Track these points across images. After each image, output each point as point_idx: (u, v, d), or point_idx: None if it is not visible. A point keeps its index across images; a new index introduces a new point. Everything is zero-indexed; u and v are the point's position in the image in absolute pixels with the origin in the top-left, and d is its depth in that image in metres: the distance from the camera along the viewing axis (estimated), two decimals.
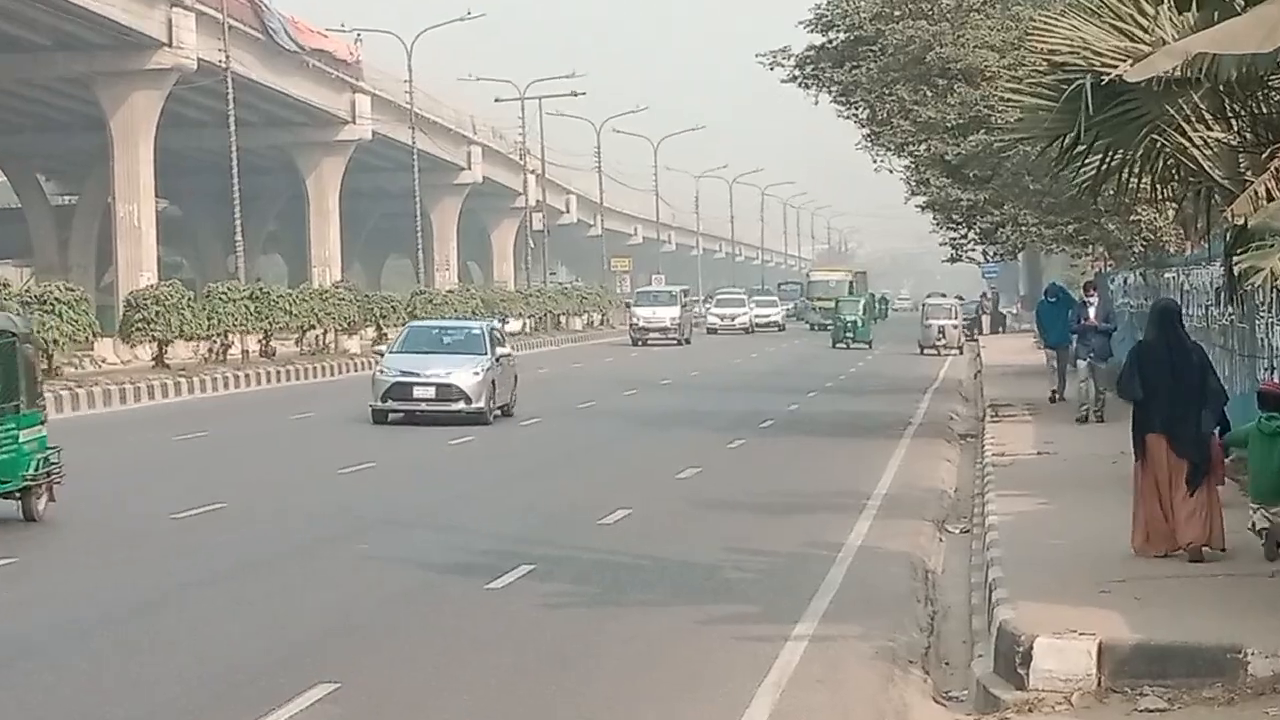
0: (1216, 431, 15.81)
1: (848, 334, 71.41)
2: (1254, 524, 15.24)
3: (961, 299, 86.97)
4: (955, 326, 70.20)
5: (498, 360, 34.61)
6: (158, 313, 48.64)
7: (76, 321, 43.05)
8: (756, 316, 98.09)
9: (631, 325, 79.50)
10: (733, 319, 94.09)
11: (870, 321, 77.04)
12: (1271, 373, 21.44)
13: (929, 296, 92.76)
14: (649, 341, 76.05)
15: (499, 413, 34.22)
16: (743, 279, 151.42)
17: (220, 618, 14.40)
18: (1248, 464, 15.79)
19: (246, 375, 49.12)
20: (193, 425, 33.99)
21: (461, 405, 33.15)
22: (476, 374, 33.57)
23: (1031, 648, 11.80)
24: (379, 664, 12.60)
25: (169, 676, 12.16)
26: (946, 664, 13.41)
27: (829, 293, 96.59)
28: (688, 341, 77.99)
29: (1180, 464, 15.33)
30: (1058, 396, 33.77)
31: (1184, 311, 26.96)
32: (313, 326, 58.30)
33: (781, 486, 23.63)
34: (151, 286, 53.76)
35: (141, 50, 67.09)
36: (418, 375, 33.57)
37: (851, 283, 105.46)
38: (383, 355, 36.62)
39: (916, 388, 45.55)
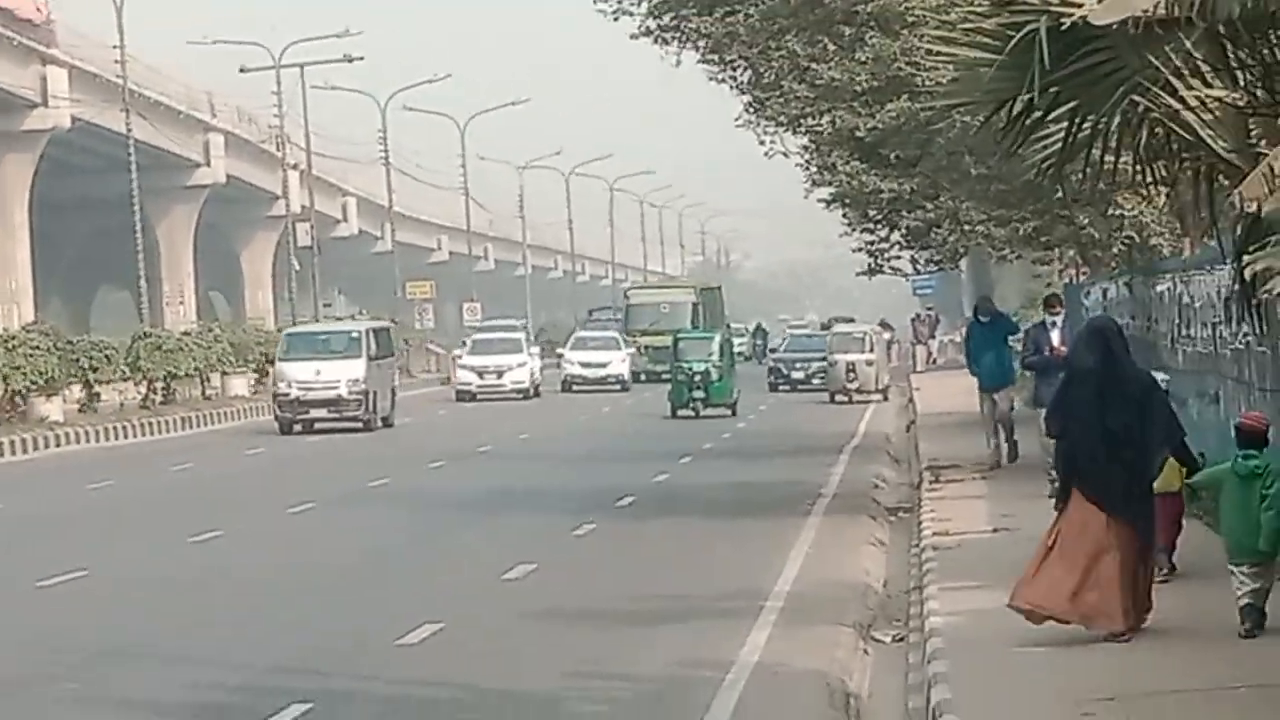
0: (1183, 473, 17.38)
1: (695, 393, 60.54)
2: (1238, 593, 16.24)
3: (886, 325, 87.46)
4: (870, 363, 69.63)
5: None
6: None
7: None
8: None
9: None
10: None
11: (731, 370, 64.48)
12: (1206, 394, 22.15)
13: (833, 322, 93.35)
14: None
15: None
16: (588, 303, 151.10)
17: None
18: (1220, 514, 16.81)
19: None
20: None
21: None
22: None
23: None
24: None
25: None
26: None
27: (661, 323, 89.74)
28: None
29: (1104, 520, 16.46)
30: (1000, 461, 33.32)
31: (1178, 331, 27.59)
32: None
33: (647, 587, 23.62)
34: None
35: None
36: None
37: (698, 306, 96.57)
38: None
39: (829, 446, 45.88)
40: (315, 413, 58.02)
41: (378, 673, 18.31)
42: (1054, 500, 18.00)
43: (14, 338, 62.71)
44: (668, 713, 16.28)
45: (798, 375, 78.00)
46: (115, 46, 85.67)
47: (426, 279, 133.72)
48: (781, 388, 78.09)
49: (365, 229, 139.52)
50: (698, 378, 59.87)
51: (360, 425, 57.52)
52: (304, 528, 32.54)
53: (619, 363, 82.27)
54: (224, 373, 75.28)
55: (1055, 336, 30.02)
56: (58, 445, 54.32)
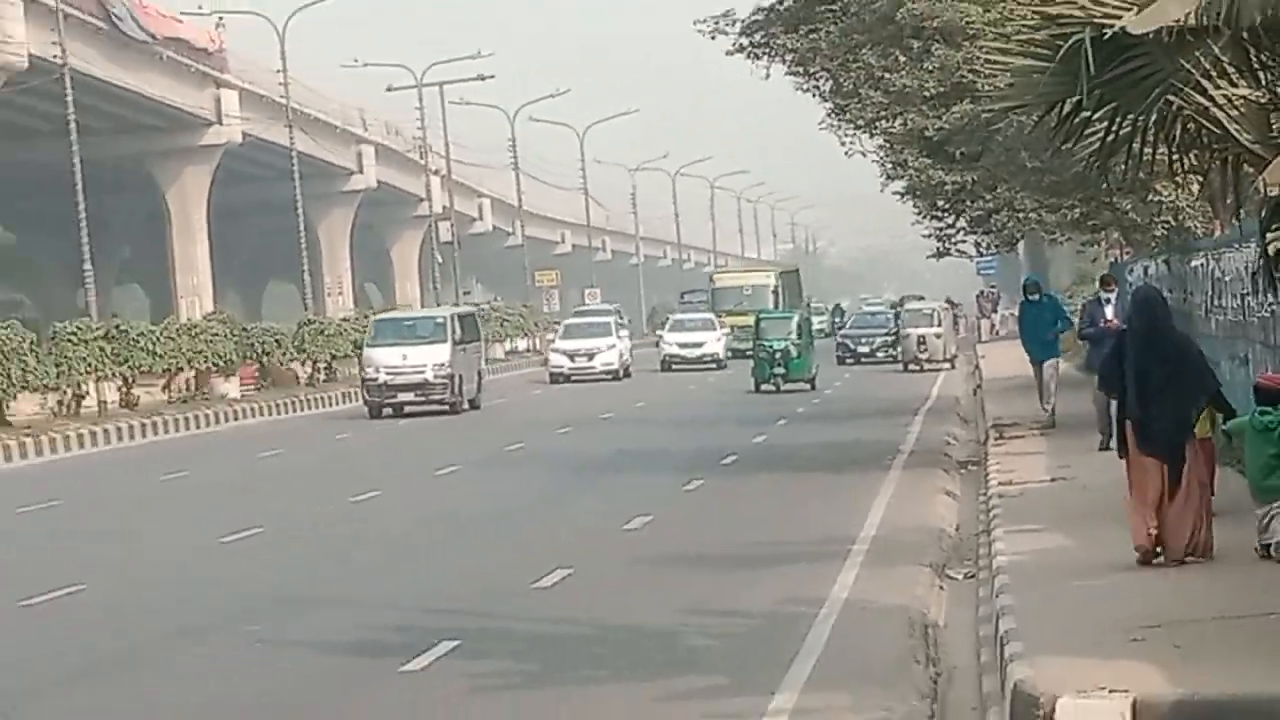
0: (1221, 419, 17.79)
1: (776, 369, 56.05)
2: (1270, 537, 16.77)
3: (953, 302, 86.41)
4: (939, 335, 68.31)
5: None
6: None
7: None
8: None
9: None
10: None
11: (810, 347, 58.94)
12: (1237, 358, 22.21)
13: (905, 300, 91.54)
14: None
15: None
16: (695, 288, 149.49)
17: None
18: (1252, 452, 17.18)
19: (105, 431, 49.10)
20: (42, 494, 33.86)
21: None
22: None
23: (1053, 711, 11.74)
24: None
25: None
26: None
27: (745, 304, 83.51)
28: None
29: (1150, 459, 16.98)
30: (1054, 421, 32.77)
31: (1211, 302, 27.49)
32: (182, 369, 58.13)
33: (749, 535, 23.58)
34: None
35: None
36: None
37: (777, 289, 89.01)
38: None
39: (906, 409, 45.63)
40: (403, 396, 53.72)
41: (517, 612, 18.36)
42: (1116, 451, 18.17)
43: (196, 326, 63.14)
44: (770, 644, 16.14)
45: (863, 350, 75.11)
46: (279, 71, 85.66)
47: (552, 269, 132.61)
48: (848, 360, 74.89)
49: (499, 226, 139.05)
50: (778, 355, 55.63)
51: (447, 408, 53.61)
52: (450, 487, 32.47)
53: (714, 342, 74.97)
54: None
55: (1109, 311, 29.15)
56: (235, 420, 54.52)
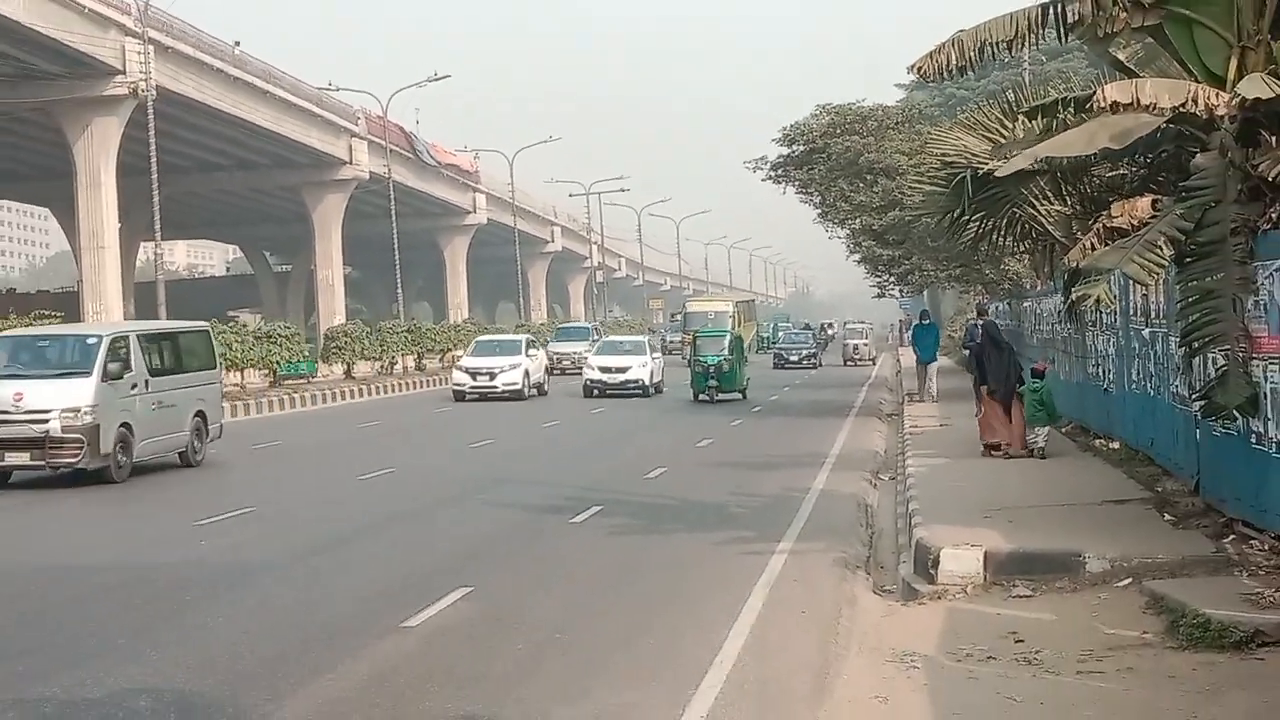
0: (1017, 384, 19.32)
1: (710, 382, 36.79)
2: (1033, 441, 18.56)
3: (864, 323, 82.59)
4: (866, 344, 66.23)
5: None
6: (346, 342, 49.09)
7: (293, 349, 43.34)
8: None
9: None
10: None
11: (741, 362, 38.32)
12: (1054, 361, 22.93)
13: (847, 323, 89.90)
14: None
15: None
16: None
17: (388, 548, 14.25)
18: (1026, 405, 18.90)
19: (405, 383, 49.18)
20: (370, 417, 33.94)
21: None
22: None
23: (939, 556, 11.69)
24: (500, 575, 12.47)
25: (352, 589, 11.98)
26: (881, 568, 13.22)
27: (710, 325, 53.93)
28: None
29: (995, 402, 19.25)
30: (925, 398, 31.21)
31: (1034, 327, 27.15)
32: (450, 349, 58.28)
33: (766, 450, 23.40)
34: (341, 325, 54.19)
35: (332, 167, 67.24)
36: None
37: (734, 314, 65.91)
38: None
39: (856, 384, 45.10)
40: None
41: (636, 491, 18.25)
42: (976, 403, 20.91)
43: (458, 326, 64.05)
44: (777, 513, 15.98)
45: (793, 358, 59.87)
46: (508, 183, 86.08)
47: (659, 298, 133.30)
48: (783, 367, 58.81)
49: (629, 274, 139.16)
50: (712, 369, 36.73)
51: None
52: (556, 433, 29.68)
53: (640, 368, 41.98)
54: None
55: (978, 332, 28.78)
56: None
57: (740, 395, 37.17)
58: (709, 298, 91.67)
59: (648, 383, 40.42)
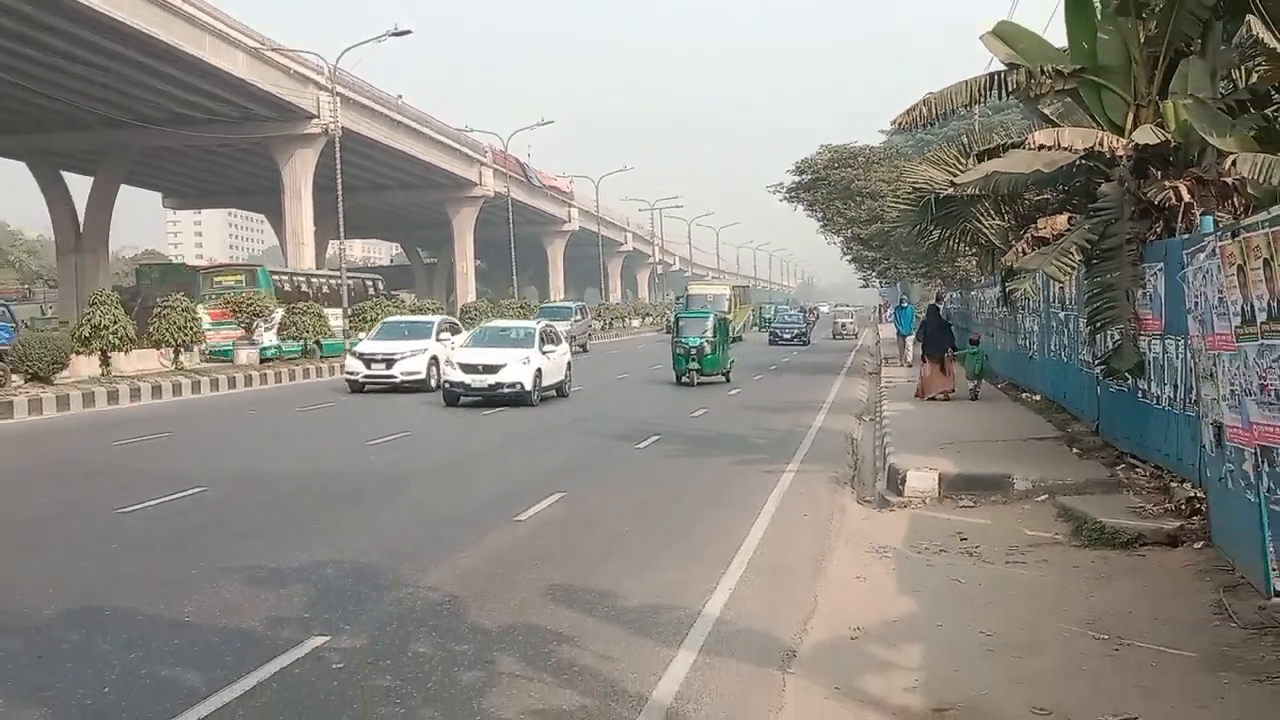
0: (953, 350, 20.07)
1: (691, 364, 26.16)
2: (973, 389, 19.27)
3: (850, 305, 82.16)
4: (852, 322, 63.70)
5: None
6: (476, 315, 48.99)
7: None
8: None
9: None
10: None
11: (724, 345, 27.20)
12: (992, 336, 22.99)
13: (837, 305, 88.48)
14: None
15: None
16: (761, 298, 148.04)
17: (504, 464, 14.24)
18: (966, 364, 19.69)
19: None
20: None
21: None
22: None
23: (905, 476, 11.58)
24: (586, 484, 12.44)
25: (478, 493, 12.00)
26: (863, 484, 13.08)
27: (708, 308, 41.27)
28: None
29: (936, 365, 19.75)
30: (895, 363, 30.87)
31: (979, 310, 26.75)
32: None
33: (779, 398, 23.20)
34: (472, 302, 54.31)
35: (467, 187, 67.65)
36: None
37: (731, 298, 56.13)
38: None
39: (846, 351, 44.40)
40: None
41: (682, 425, 18.03)
42: (921, 363, 20.91)
43: (554, 304, 63.03)
44: (787, 443, 15.79)
45: (785, 336, 50.66)
46: (594, 201, 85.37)
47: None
48: (778, 343, 49.51)
49: (682, 268, 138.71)
50: (693, 351, 26.08)
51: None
52: (656, 379, 29.23)
53: (518, 366, 20.71)
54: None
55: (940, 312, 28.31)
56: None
57: (724, 379, 26.78)
58: (708, 282, 76.20)
59: (528, 387, 21.15)
